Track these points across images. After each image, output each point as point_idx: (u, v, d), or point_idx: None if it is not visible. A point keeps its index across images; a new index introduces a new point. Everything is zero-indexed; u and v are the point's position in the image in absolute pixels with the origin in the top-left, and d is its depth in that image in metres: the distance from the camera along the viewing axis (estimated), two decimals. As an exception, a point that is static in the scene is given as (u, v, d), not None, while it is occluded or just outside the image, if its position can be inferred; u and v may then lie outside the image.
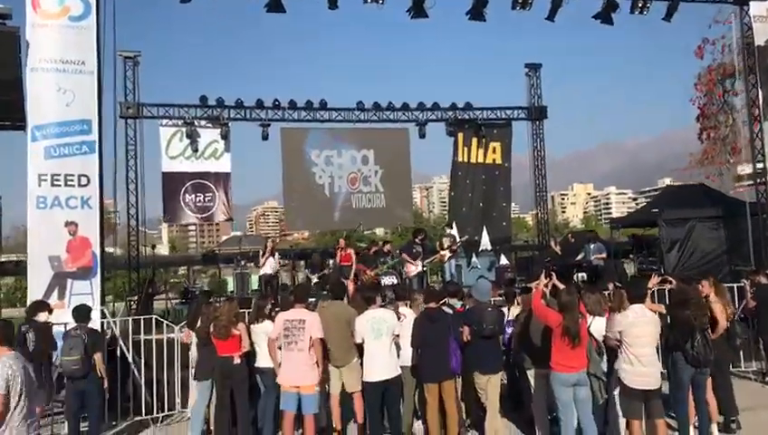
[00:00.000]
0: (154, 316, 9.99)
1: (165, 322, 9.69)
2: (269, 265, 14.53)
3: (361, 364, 7.70)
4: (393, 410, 7.53)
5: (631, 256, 16.31)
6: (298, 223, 19.73)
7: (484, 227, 20.57)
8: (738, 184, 21.42)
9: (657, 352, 6.59)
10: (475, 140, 20.78)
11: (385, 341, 7.36)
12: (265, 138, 19.12)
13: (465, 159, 20.84)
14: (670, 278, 7.71)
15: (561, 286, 7.25)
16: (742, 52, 21.89)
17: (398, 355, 7.59)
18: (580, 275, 15.04)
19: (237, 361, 7.79)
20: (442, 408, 7.35)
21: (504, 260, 20.16)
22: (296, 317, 7.23)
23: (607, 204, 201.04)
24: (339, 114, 19.78)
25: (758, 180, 13.85)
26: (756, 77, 14.06)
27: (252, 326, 8.13)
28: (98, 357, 7.83)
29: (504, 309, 8.36)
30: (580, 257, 15.06)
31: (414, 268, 14.18)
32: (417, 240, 14.53)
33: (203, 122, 18.84)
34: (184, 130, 18.47)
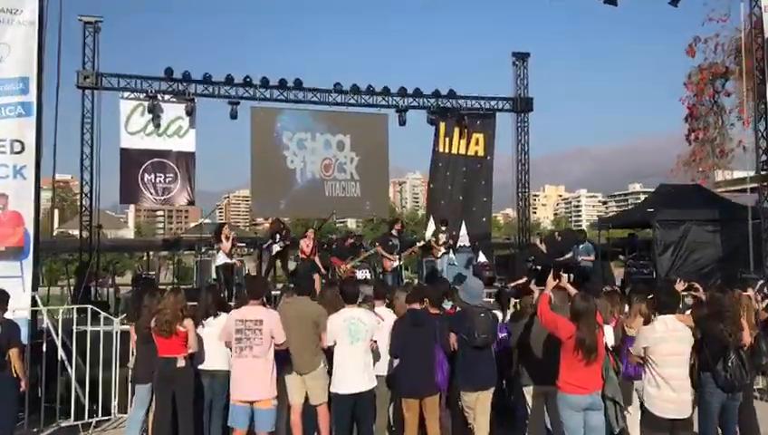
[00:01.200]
0: (89, 306, 8.66)
1: (102, 313, 8.37)
2: (225, 254, 13.17)
3: (329, 372, 6.55)
4: (364, 426, 6.36)
5: (621, 257, 15.37)
6: (265, 209, 18.41)
7: (463, 222, 19.48)
8: (734, 188, 20.66)
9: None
10: (457, 131, 19.68)
11: (361, 346, 6.19)
12: (234, 116, 17.79)
13: (447, 150, 19.73)
14: (696, 285, 6.65)
15: (573, 290, 6.13)
16: (744, 49, 21.05)
17: (374, 364, 6.43)
18: (566, 276, 14.02)
19: (182, 363, 6.57)
20: (422, 428, 6.22)
21: (482, 257, 19.08)
22: (251, 317, 6.01)
23: (577, 206, 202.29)
24: (314, 95, 18.51)
25: (764, 183, 12.88)
26: (765, 72, 13.09)
27: (201, 323, 6.92)
28: (13, 353, 6.55)
29: (497, 313, 7.22)
30: (567, 257, 14.05)
31: (390, 263, 13.04)
32: (393, 232, 13.38)
33: (167, 97, 17.45)
34: (146, 104, 17.05)
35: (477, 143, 20.00)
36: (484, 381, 6.18)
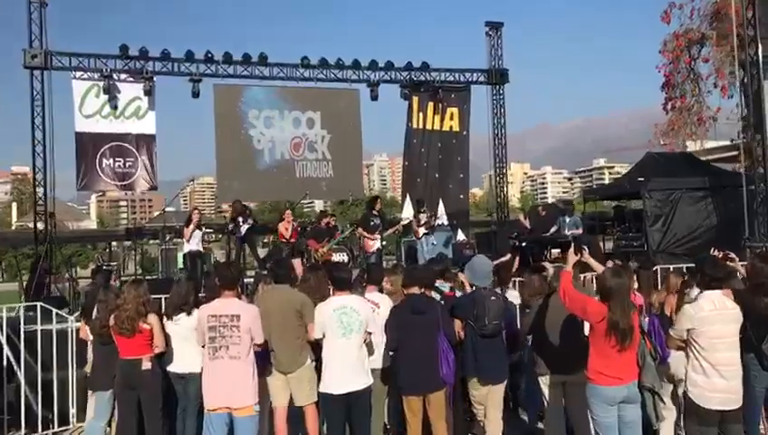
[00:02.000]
0: (39, 303, 7.72)
1: (54, 310, 7.43)
2: (195, 240, 12.26)
3: (316, 368, 5.75)
4: (360, 428, 5.56)
5: (609, 230, 14.78)
6: (231, 193, 17.41)
7: (440, 200, 18.78)
8: (712, 157, 20.23)
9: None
10: (431, 105, 18.90)
11: (355, 339, 5.37)
12: (196, 95, 16.76)
13: (421, 126, 18.95)
14: (732, 254, 5.98)
15: (598, 266, 5.39)
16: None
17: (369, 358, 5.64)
18: (554, 251, 13.41)
19: (147, 365, 5.72)
20: (426, 428, 5.46)
21: (461, 235, 18.43)
22: (226, 311, 5.15)
23: (543, 183, 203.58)
24: (281, 71, 17.52)
25: (757, 149, 12.31)
26: (755, 30, 12.48)
27: (169, 319, 6.07)
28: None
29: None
30: (553, 231, 13.40)
31: (373, 243, 12.23)
32: (374, 211, 12.55)
33: (123, 76, 16.37)
34: (101, 84, 15.94)
35: (452, 118, 19.29)
36: (496, 373, 5.44)
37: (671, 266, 8.07)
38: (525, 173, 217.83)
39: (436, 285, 6.25)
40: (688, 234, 12.76)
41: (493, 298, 5.39)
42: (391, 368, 5.60)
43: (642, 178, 12.83)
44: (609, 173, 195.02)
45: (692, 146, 22.22)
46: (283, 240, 12.50)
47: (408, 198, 18.62)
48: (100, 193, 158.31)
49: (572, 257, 4.95)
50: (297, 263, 12.04)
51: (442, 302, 5.85)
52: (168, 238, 14.65)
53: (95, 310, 6.17)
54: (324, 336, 5.46)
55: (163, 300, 6.46)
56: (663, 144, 22.24)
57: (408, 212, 18.13)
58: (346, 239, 15.18)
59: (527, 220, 14.16)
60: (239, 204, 14.24)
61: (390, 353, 5.61)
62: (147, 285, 5.95)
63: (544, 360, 5.47)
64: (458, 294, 6.29)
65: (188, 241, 11.95)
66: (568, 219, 13.11)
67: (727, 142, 23.98)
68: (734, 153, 22.14)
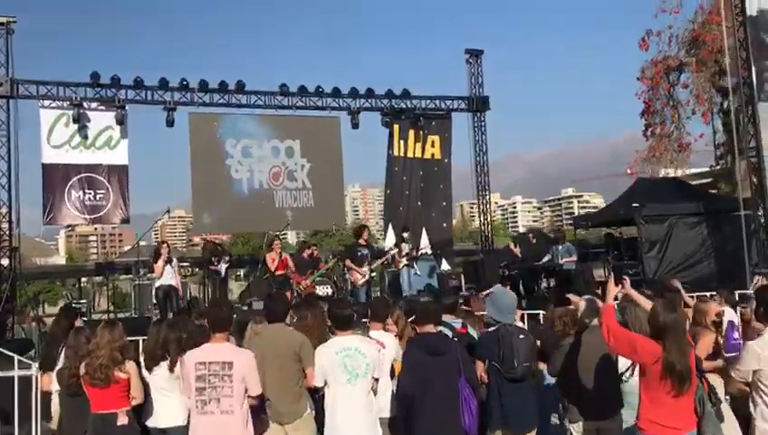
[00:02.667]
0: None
1: (14, 356, 6.63)
2: (169, 274, 11.51)
3: (317, 419, 5.10)
4: (366, 487, 4.90)
5: (602, 258, 14.35)
6: (208, 224, 16.70)
7: (424, 229, 18.26)
8: (696, 183, 20.03)
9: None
10: (412, 133, 18.48)
11: (362, 385, 4.74)
12: (170, 124, 16.12)
13: (402, 154, 18.50)
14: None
15: (642, 299, 4.83)
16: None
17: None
18: (547, 280, 12.91)
19: (123, 420, 5.02)
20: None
21: (445, 265, 17.92)
22: (217, 358, 4.50)
23: (513, 213, 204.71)
24: (259, 98, 16.98)
25: (752, 176, 11.95)
26: (747, 52, 12.23)
27: (147, 368, 5.37)
28: None
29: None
30: (545, 260, 12.91)
31: (361, 276, 11.58)
32: (361, 241, 11.92)
33: (94, 104, 15.68)
34: (70, 113, 15.20)
35: (433, 145, 18.89)
36: (527, 420, 4.82)
37: (695, 294, 7.54)
38: (496, 202, 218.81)
39: (446, 320, 5.65)
40: (684, 261, 12.36)
41: (521, 336, 4.78)
42: (403, 418, 4.95)
43: (637, 205, 12.42)
44: (578, 202, 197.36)
45: (672, 173, 22.12)
46: (269, 273, 11.79)
47: (390, 227, 18.07)
48: (69, 228, 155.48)
49: (613, 289, 4.38)
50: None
51: (455, 340, 5.24)
52: (141, 273, 13.86)
53: (61, 356, 5.46)
54: (326, 383, 4.81)
55: (141, 341, 5.76)
56: (631, 173, 22.04)
57: (390, 242, 17.59)
58: (330, 271, 14.56)
59: (517, 248, 13.65)
60: (210, 244, 13.61)
61: (401, 401, 4.96)
62: (122, 328, 5.26)
63: (577, 405, 4.87)
64: (471, 331, 5.70)
65: (161, 276, 11.20)
66: (560, 247, 12.65)
67: (705, 169, 23.92)
68: (709, 180, 22.08)
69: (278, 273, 11.64)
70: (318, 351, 4.87)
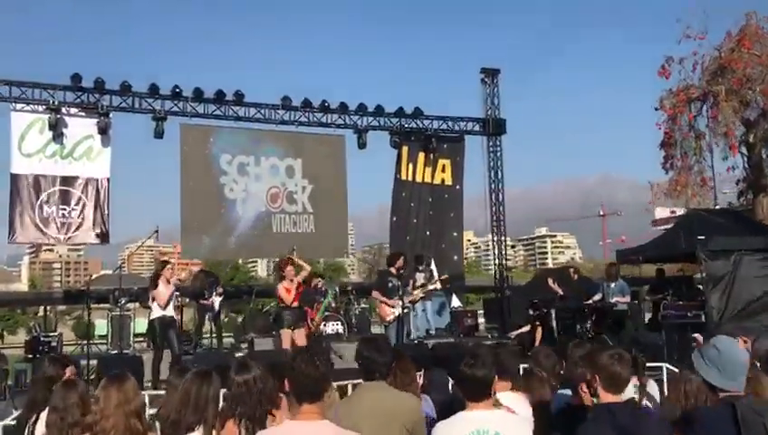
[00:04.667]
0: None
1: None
2: (171, 304, 9.53)
3: None
4: None
5: (647, 298, 12.83)
6: (199, 249, 14.84)
7: (432, 261, 16.63)
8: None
9: None
10: (422, 156, 17.02)
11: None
12: (159, 135, 14.43)
13: (410, 178, 17.00)
14: None
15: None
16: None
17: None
18: (591, 322, 11.34)
19: None
20: None
21: (455, 301, 16.28)
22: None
23: (486, 251, 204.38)
24: (258, 111, 15.39)
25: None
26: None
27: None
28: None
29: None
30: (597, 298, 11.36)
31: (391, 312, 9.84)
32: (393, 269, 10.21)
33: (73, 110, 13.97)
34: (46, 118, 13.47)
35: (444, 170, 17.44)
36: None
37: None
38: (469, 240, 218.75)
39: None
40: (751, 302, 10.86)
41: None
42: None
43: (702, 237, 10.96)
44: (552, 242, 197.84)
45: (659, 212, 20.86)
46: (282, 305, 10.00)
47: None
48: (33, 253, 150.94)
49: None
50: (286, 334, 9.65)
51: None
52: (123, 302, 12.00)
53: (39, 424, 3.71)
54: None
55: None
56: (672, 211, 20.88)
57: (397, 274, 15.96)
58: (339, 305, 12.92)
59: (555, 284, 12.06)
60: (202, 274, 11.85)
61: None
62: (135, 383, 3.53)
63: None
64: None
65: (165, 306, 9.27)
66: (613, 285, 11.12)
67: (724, 206, 22.76)
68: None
69: (294, 305, 9.84)
70: (440, 430, 3.19)
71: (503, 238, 17.86)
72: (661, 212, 34.51)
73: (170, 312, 9.18)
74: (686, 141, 20.77)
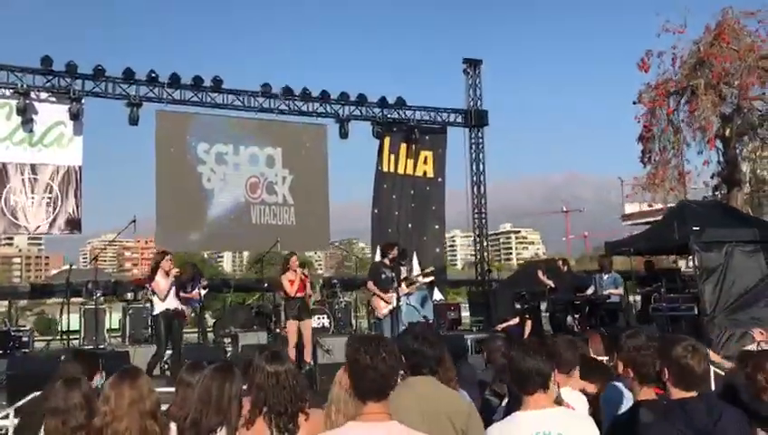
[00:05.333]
0: None
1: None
2: (171, 296, 8.91)
3: None
4: None
5: (638, 290, 12.67)
6: (174, 239, 14.23)
7: (414, 254, 16.32)
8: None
9: None
10: (404, 147, 16.66)
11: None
12: (134, 122, 13.85)
13: (392, 169, 16.65)
14: None
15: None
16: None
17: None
18: (582, 315, 11.13)
19: None
20: None
21: (437, 295, 15.97)
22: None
23: (452, 246, 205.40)
24: (237, 99, 14.89)
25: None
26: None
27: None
28: None
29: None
30: (590, 291, 11.15)
31: (385, 305, 9.47)
32: (386, 259, 9.83)
33: (44, 94, 13.32)
34: (14, 103, 12.85)
35: (426, 162, 17.11)
36: None
37: None
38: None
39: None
40: (743, 293, 10.74)
41: None
42: None
43: (698, 227, 10.81)
44: (516, 238, 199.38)
45: (672, 202, 20.94)
46: (286, 296, 9.53)
47: (378, 250, 16.06)
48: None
49: None
50: (292, 326, 9.27)
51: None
52: (98, 295, 11.44)
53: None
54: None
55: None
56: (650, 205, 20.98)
57: (377, 267, 15.62)
58: (325, 299, 12.57)
59: (544, 276, 11.82)
60: (190, 266, 11.35)
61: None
62: (149, 379, 3.12)
63: None
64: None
65: (164, 299, 8.69)
66: (606, 277, 10.91)
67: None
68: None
69: (298, 296, 9.38)
70: (498, 429, 2.85)
71: (484, 232, 17.60)
72: (631, 207, 34.72)
73: (172, 304, 8.68)
74: (665, 135, 20.80)
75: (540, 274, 11.67)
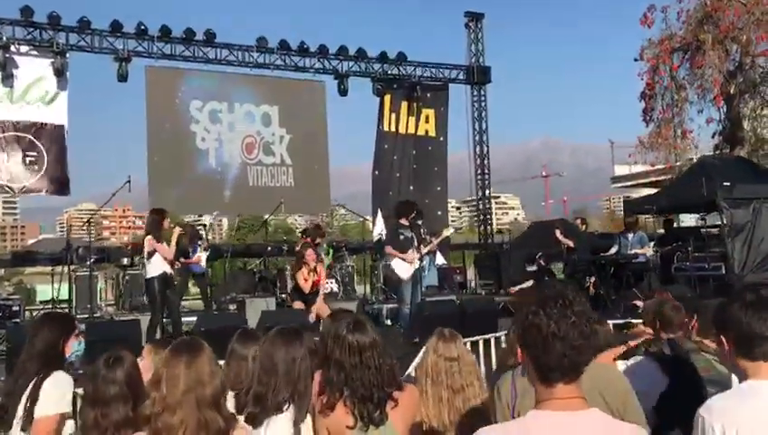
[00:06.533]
0: None
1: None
2: (159, 259, 7.94)
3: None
4: None
5: (656, 250, 12.12)
6: (168, 203, 13.41)
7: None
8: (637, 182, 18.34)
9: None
10: (405, 105, 15.99)
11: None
12: (123, 78, 13.01)
13: (393, 129, 15.98)
14: None
15: None
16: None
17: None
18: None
19: None
20: None
21: (440, 259, 15.41)
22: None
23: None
24: (231, 53, 14.07)
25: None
26: None
27: (251, 421, 2.66)
28: None
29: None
30: (613, 251, 10.63)
31: (405, 267, 8.81)
32: (404, 220, 9.18)
33: (24, 48, 12.42)
34: (-7, 57, 11.91)
35: (428, 121, 16.47)
36: None
37: None
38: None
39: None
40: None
41: None
42: None
43: (728, 183, 10.30)
44: (496, 203, 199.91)
45: (675, 161, 20.50)
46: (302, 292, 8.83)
47: (379, 213, 15.44)
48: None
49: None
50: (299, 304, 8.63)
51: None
52: (92, 261, 10.70)
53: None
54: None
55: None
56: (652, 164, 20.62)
57: (379, 229, 15.01)
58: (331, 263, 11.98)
59: (562, 235, 11.27)
60: (190, 227, 10.63)
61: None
62: (211, 356, 2.47)
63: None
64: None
65: (154, 259, 7.85)
66: (632, 236, 10.38)
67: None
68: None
69: (311, 293, 8.74)
70: (717, 411, 2.24)
71: (488, 193, 17.07)
72: (620, 169, 34.31)
73: (169, 268, 7.92)
74: (668, 92, 20.27)
75: (558, 233, 11.12)
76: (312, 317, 8.30)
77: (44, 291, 16.37)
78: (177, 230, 8.20)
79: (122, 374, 2.74)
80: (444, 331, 3.16)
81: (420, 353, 3.83)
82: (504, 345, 6.23)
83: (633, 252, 10.22)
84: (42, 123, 12.39)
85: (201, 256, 10.22)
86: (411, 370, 5.14)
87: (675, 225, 13.51)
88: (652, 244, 11.16)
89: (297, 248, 9.78)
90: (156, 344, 3.43)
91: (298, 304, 8.66)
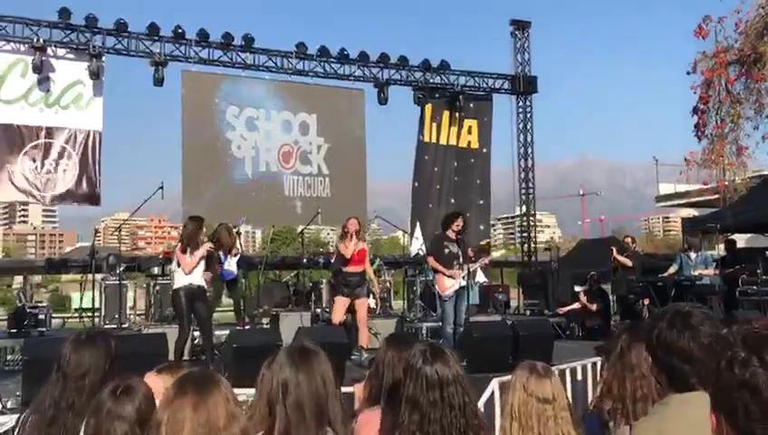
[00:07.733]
0: None
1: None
2: (199, 271, 7.54)
3: None
4: None
5: (717, 272, 11.33)
6: (202, 212, 13.01)
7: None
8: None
9: None
10: (446, 115, 15.42)
11: None
12: (159, 82, 12.71)
13: (434, 139, 15.40)
14: None
15: None
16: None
17: None
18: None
19: None
20: None
21: (480, 276, 14.74)
22: None
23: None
24: (270, 59, 13.69)
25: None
26: None
27: None
28: None
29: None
30: (672, 271, 9.90)
31: (449, 284, 8.19)
32: (450, 232, 8.56)
33: (61, 51, 12.18)
34: (29, 59, 11.66)
35: (470, 132, 15.84)
36: None
37: None
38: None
39: None
40: None
41: None
42: None
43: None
44: (532, 220, 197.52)
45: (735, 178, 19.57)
46: (340, 267, 8.32)
47: (417, 227, 14.86)
48: (6, 224, 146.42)
49: None
50: (341, 302, 8.08)
51: None
52: (122, 269, 10.30)
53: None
54: None
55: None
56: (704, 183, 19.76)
57: (417, 245, 14.43)
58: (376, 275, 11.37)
59: (618, 256, 10.54)
60: (225, 232, 10.13)
61: None
62: (228, 392, 1.92)
63: None
64: None
65: (189, 272, 7.37)
66: (693, 256, 9.64)
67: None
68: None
69: (350, 270, 8.18)
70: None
71: (532, 209, 16.40)
72: (666, 188, 33.19)
73: (196, 280, 7.42)
74: (723, 106, 19.42)
75: (615, 251, 10.40)
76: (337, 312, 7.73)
77: (79, 299, 16.14)
78: (207, 246, 7.68)
79: (132, 410, 2.20)
80: (537, 365, 2.56)
81: (491, 387, 3.24)
82: (591, 380, 5.46)
83: (697, 273, 9.48)
84: (76, 129, 12.11)
85: (231, 262, 9.73)
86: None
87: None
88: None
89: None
90: (163, 370, 2.84)
91: (339, 301, 8.08)
